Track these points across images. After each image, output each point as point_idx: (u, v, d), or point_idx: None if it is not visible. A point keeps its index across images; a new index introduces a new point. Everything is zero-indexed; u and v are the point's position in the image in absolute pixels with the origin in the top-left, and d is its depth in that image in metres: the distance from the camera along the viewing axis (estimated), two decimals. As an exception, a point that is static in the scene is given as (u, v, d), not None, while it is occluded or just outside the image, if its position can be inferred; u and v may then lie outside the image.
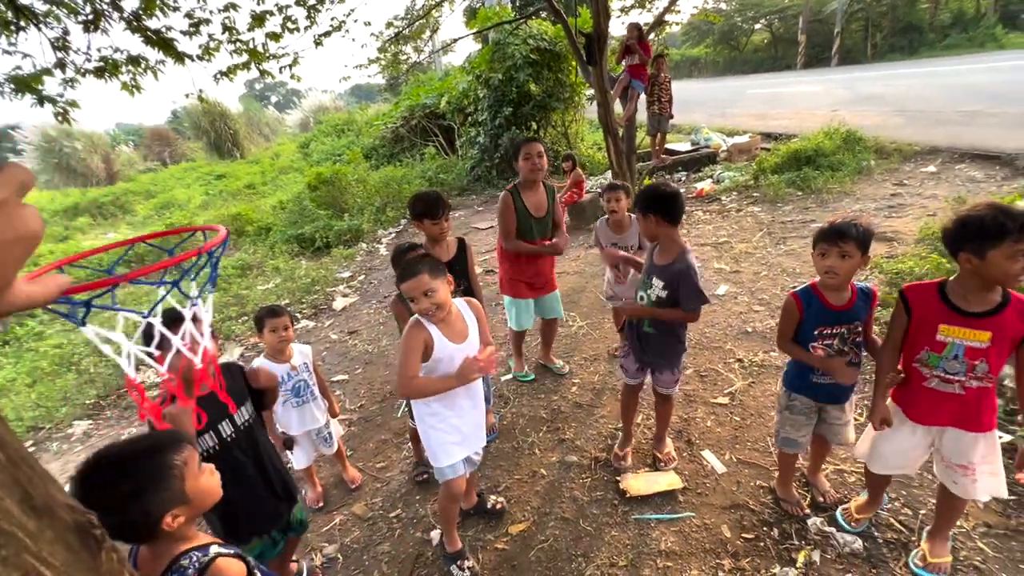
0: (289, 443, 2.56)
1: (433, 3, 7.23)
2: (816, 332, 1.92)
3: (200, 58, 3.70)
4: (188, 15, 3.53)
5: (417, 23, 7.51)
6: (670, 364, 2.38)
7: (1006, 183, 5.23)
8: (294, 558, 2.36)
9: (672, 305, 2.20)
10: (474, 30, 9.56)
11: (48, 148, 24.91)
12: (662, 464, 2.58)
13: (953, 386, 1.66)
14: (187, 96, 4.00)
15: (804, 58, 26.37)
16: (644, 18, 8.31)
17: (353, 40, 5.80)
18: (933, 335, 1.65)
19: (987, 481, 1.73)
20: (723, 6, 32.91)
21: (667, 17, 7.65)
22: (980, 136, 6.63)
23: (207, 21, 3.64)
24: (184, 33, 3.52)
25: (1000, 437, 2.24)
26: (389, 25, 7.31)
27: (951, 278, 1.64)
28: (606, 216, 3.25)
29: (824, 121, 7.84)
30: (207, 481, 1.23)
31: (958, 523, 2.01)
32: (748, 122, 10.60)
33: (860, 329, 1.90)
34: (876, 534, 2.05)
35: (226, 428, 1.78)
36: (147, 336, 1.20)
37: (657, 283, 2.25)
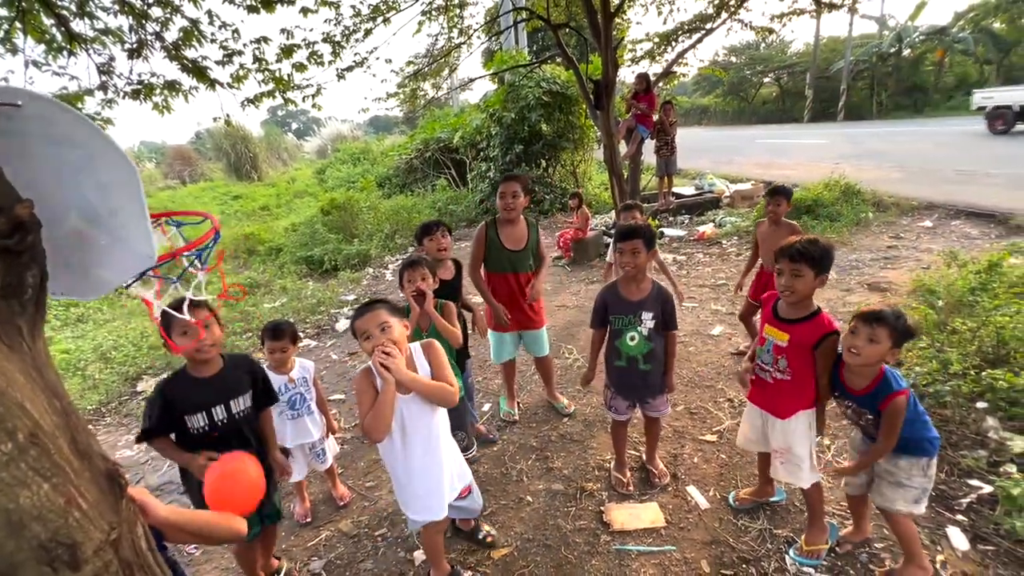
0: (284, 455, 2.62)
1: (453, 45, 7.64)
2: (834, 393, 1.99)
3: (230, 85, 3.97)
4: (223, 46, 3.83)
5: (436, 63, 7.92)
6: (662, 391, 2.53)
7: (999, 240, 5.34)
8: (277, 556, 2.41)
9: (662, 331, 2.40)
10: (490, 71, 10.02)
11: (74, 161, 25.73)
12: (656, 480, 2.68)
13: (766, 375, 2.10)
14: (215, 120, 4.26)
15: (811, 112, 27.12)
16: (654, 69, 8.71)
17: (374, 75, 6.15)
18: (762, 332, 2.12)
19: (788, 468, 2.12)
20: (733, 59, 34.12)
21: (675, 68, 8.03)
22: (976, 194, 6.81)
23: (240, 52, 3.94)
24: (218, 63, 3.81)
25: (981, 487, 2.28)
26: (409, 63, 7.72)
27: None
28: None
29: (827, 173, 8.06)
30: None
31: (937, 569, 2.02)
32: (753, 170, 10.88)
33: (870, 417, 1.86)
34: (853, 574, 2.07)
35: (219, 412, 1.92)
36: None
37: (647, 316, 2.37)
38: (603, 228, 7.61)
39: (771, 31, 7.74)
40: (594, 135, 10.47)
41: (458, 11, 7.34)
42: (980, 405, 2.77)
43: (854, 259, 5.46)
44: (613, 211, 7.41)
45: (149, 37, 3.38)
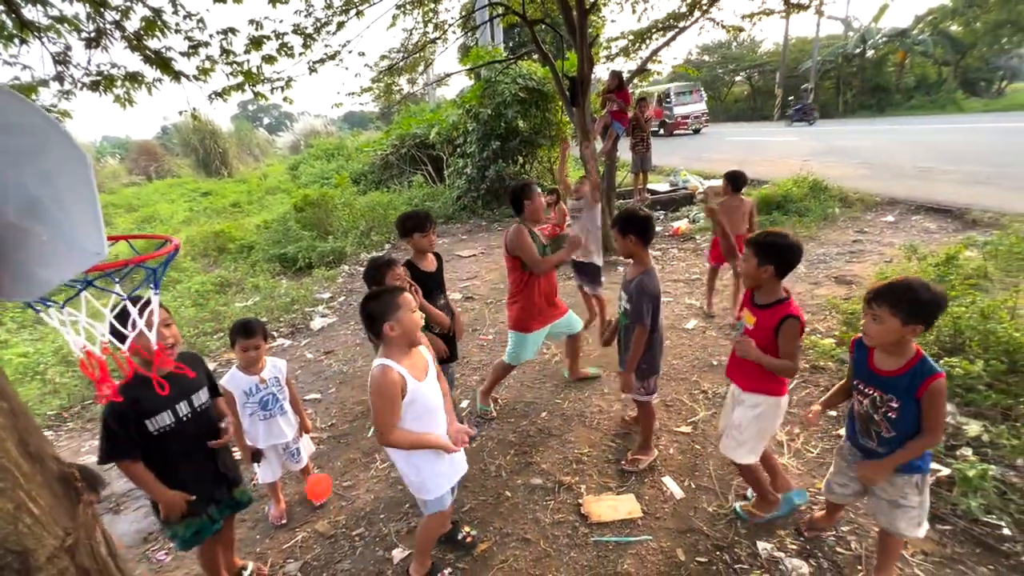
0: (257, 456, 2.56)
1: (427, 40, 7.56)
2: (855, 383, 1.89)
3: (196, 78, 3.83)
4: (188, 37, 3.68)
5: (411, 57, 7.82)
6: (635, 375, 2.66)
7: (956, 234, 5.58)
8: (243, 562, 2.37)
9: (635, 317, 2.50)
10: (466, 67, 9.95)
11: (30, 156, 24.70)
12: (626, 465, 2.80)
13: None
14: (181, 114, 4.10)
15: (780, 110, 27.78)
16: (629, 66, 8.77)
17: (346, 69, 6.03)
18: (740, 313, 2.23)
19: (730, 442, 2.26)
20: (706, 58, 34.69)
21: (649, 66, 8.11)
22: (934, 190, 7.09)
23: (206, 44, 3.79)
24: (182, 54, 3.66)
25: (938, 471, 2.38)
26: (383, 58, 7.60)
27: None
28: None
29: (796, 169, 8.27)
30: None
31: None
32: (725, 167, 11.06)
33: (895, 405, 1.72)
34: (823, 559, 2.14)
35: (183, 408, 1.92)
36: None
37: (624, 297, 2.56)
38: (580, 224, 7.65)
39: (741, 30, 7.87)
40: (571, 132, 10.51)
41: (432, 5, 7.25)
42: (939, 392, 2.89)
43: (822, 253, 5.62)
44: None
45: (108, 26, 3.24)
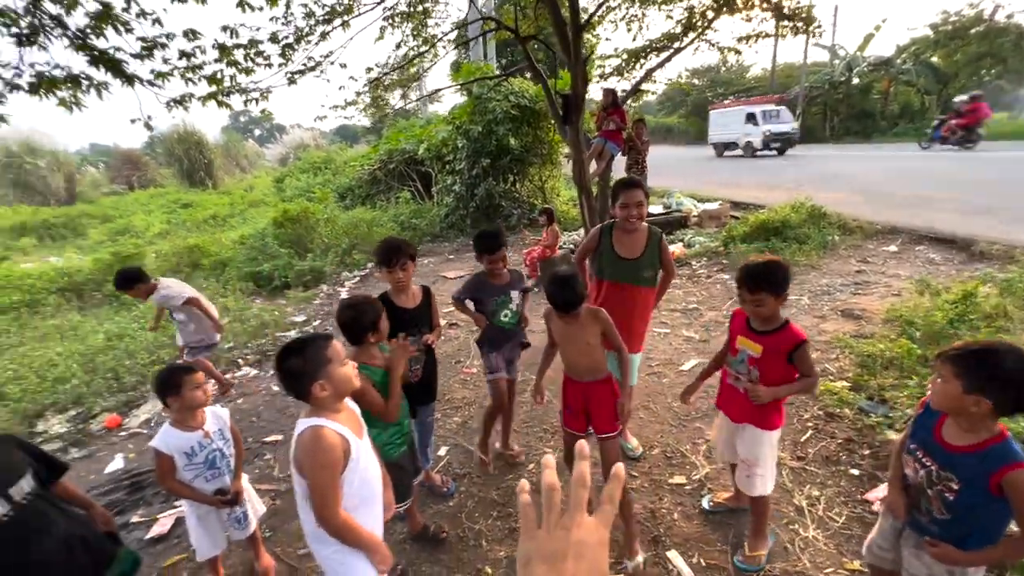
0: (230, 497, 2.23)
1: (416, 54, 7.29)
2: (910, 446, 1.63)
3: (152, 83, 3.46)
4: (142, 38, 3.31)
5: (399, 70, 7.54)
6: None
7: (963, 267, 5.34)
8: None
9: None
10: (457, 83, 9.73)
11: (7, 163, 24.14)
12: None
13: (739, 384, 2.12)
14: (132, 122, 3.72)
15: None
16: (622, 85, 8.60)
17: (328, 81, 5.72)
18: (734, 343, 2.14)
19: (760, 481, 2.13)
20: (696, 81, 35.23)
21: (643, 86, 7.94)
22: (933, 219, 6.89)
23: (163, 45, 3.42)
24: (135, 56, 3.29)
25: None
26: (369, 70, 7.32)
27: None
28: None
29: (787, 193, 8.08)
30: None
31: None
32: (718, 190, 10.92)
33: (954, 486, 1.45)
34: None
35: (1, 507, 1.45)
36: None
37: (516, 296, 2.78)
38: (571, 246, 7.36)
39: (738, 52, 7.73)
40: (562, 151, 10.30)
41: (422, 18, 7.00)
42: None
43: (825, 284, 5.35)
44: (583, 228, 7.17)
45: (47, 21, 2.87)
